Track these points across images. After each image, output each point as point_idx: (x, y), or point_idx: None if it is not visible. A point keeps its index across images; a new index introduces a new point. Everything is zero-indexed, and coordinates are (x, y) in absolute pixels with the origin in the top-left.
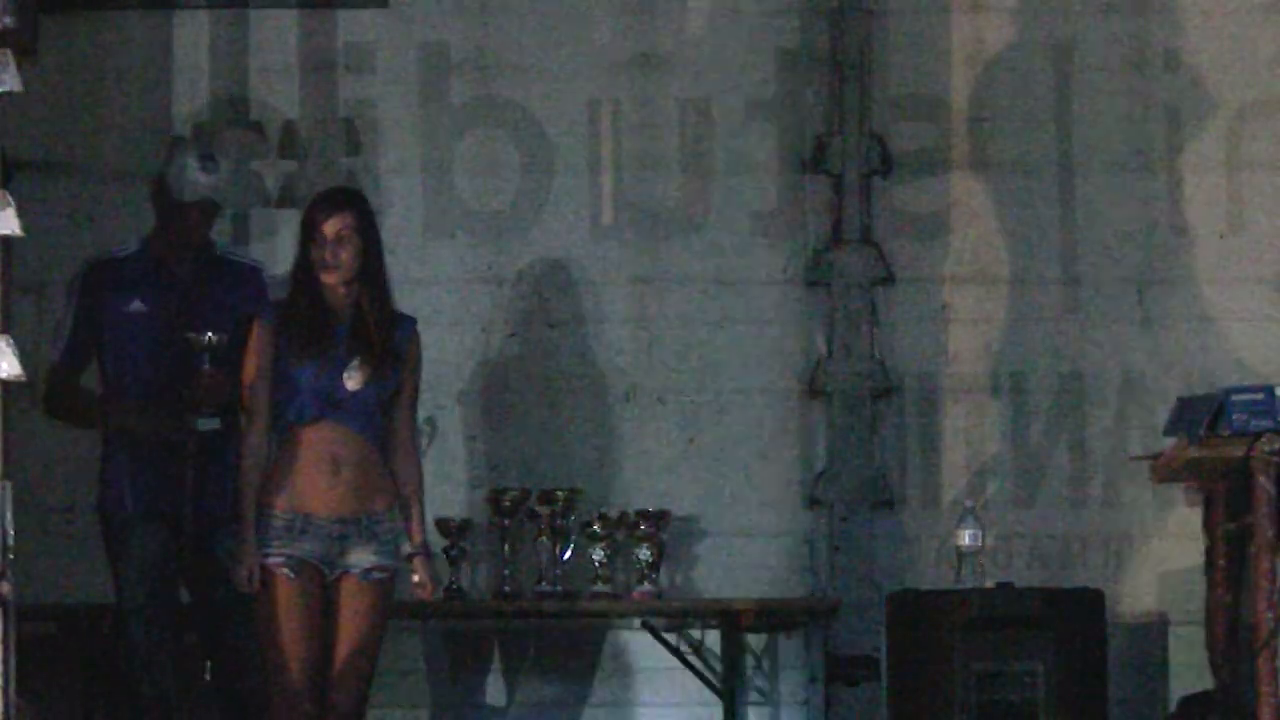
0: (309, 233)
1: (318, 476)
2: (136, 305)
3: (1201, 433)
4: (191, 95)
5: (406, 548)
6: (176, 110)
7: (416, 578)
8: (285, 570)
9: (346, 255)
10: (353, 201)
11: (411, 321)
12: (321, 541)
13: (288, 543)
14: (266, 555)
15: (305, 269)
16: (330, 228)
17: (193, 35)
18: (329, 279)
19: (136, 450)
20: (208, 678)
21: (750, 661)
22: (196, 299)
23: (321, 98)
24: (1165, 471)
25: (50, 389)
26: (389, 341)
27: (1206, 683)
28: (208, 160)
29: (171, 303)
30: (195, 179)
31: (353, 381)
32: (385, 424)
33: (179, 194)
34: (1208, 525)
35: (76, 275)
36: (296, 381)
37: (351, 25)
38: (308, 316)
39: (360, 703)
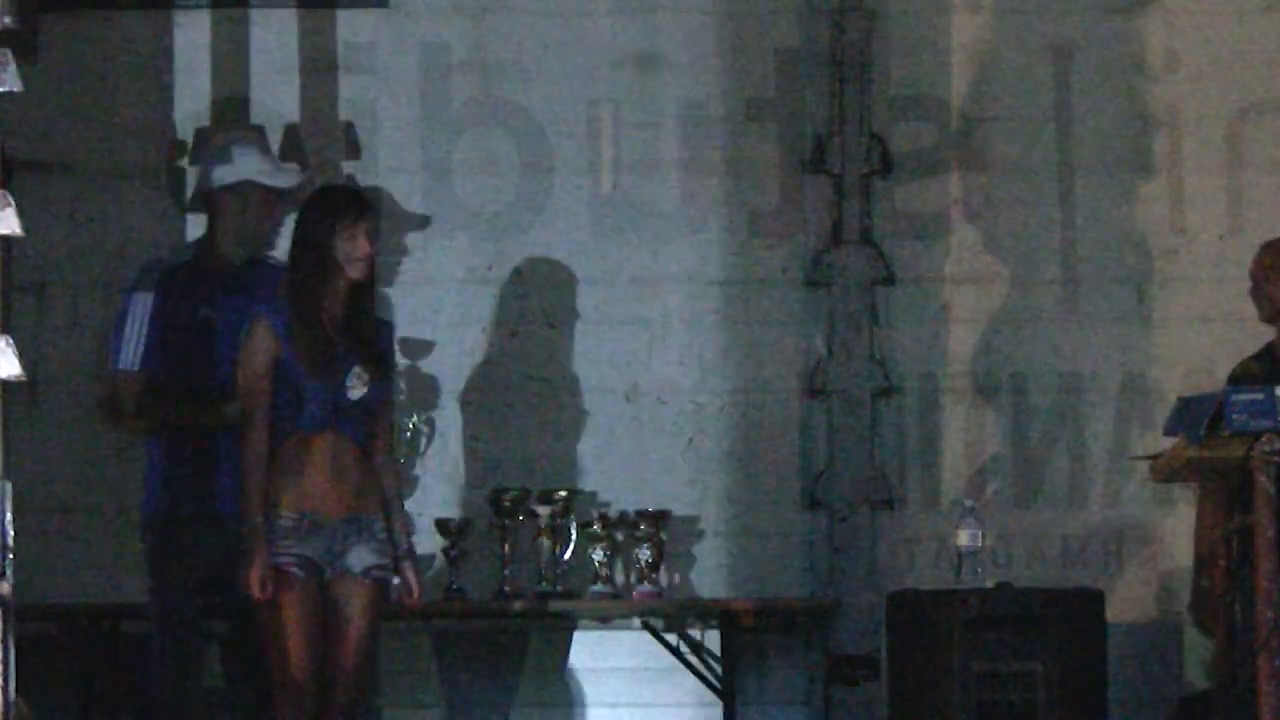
0: (332, 232)
1: (323, 480)
2: (205, 312)
3: (1201, 433)
4: (192, 96)
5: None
6: (177, 111)
7: (398, 580)
8: (295, 570)
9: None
10: (369, 203)
11: (392, 326)
12: (325, 541)
13: (295, 542)
14: (277, 555)
15: (310, 273)
16: (362, 227)
17: (193, 35)
18: (353, 274)
19: (184, 452)
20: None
21: (750, 661)
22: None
23: (321, 99)
24: (1165, 471)
25: (127, 396)
26: (382, 348)
27: (1207, 683)
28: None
29: (230, 308)
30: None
31: (355, 390)
32: (368, 428)
33: (270, 180)
34: (1199, 526)
35: (142, 278)
36: (306, 390)
37: (351, 25)
38: (319, 326)
39: (360, 701)
